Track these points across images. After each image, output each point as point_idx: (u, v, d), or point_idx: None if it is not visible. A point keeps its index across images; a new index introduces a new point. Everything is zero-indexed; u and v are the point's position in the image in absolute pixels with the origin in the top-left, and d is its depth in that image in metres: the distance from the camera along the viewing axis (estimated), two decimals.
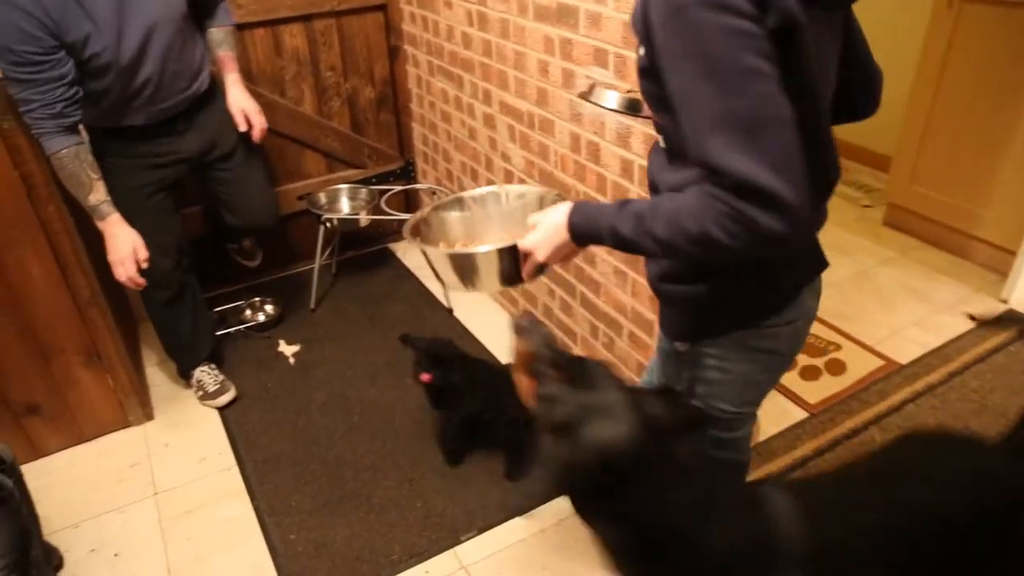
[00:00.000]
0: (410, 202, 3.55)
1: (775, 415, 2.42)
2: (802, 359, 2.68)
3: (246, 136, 2.41)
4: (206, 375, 2.58)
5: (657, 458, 1.00)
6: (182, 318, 2.50)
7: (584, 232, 1.08)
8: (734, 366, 1.14)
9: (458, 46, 2.73)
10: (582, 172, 2.19)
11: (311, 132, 3.11)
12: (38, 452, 2.37)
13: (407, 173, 3.44)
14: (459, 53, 2.74)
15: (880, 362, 2.63)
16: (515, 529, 2.06)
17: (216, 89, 2.39)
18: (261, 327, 2.96)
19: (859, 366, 2.62)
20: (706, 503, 1.04)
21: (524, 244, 1.17)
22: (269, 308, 3.05)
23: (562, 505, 2.12)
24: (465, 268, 1.29)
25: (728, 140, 0.86)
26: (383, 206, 2.83)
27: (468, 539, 2.04)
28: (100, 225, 2.08)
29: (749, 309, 1.09)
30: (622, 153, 1.98)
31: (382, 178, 3.34)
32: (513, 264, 1.23)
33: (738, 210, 0.87)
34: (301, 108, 3.07)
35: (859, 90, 1.14)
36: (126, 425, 2.50)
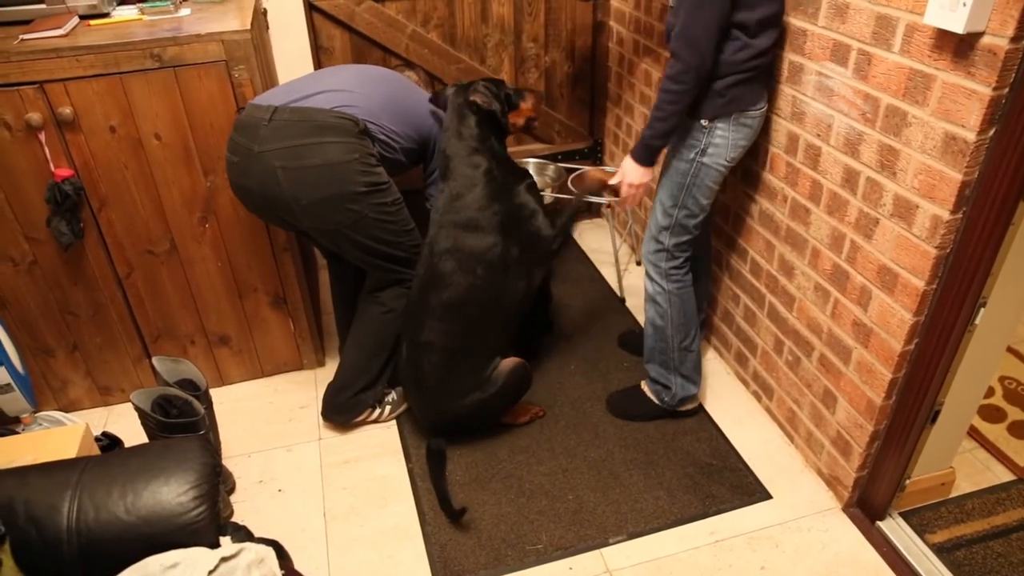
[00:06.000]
0: None
1: (973, 470, 2.16)
2: (1014, 413, 2.37)
3: None
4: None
5: None
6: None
7: (635, 153, 1.99)
8: (728, 134, 1.93)
9: None
10: (794, 176, 2.01)
11: None
12: (223, 380, 2.54)
13: (594, 153, 3.35)
14: None
15: None
16: (666, 542, 1.96)
17: None
18: None
19: None
20: None
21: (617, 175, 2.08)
22: None
23: (718, 526, 2.01)
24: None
25: (677, 33, 1.78)
26: (570, 185, 2.77)
27: (617, 543, 1.96)
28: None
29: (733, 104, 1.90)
30: (847, 161, 1.79)
31: (568, 155, 3.28)
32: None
33: (669, 61, 1.80)
34: (499, 77, 3.05)
35: None
36: (300, 368, 2.62)
